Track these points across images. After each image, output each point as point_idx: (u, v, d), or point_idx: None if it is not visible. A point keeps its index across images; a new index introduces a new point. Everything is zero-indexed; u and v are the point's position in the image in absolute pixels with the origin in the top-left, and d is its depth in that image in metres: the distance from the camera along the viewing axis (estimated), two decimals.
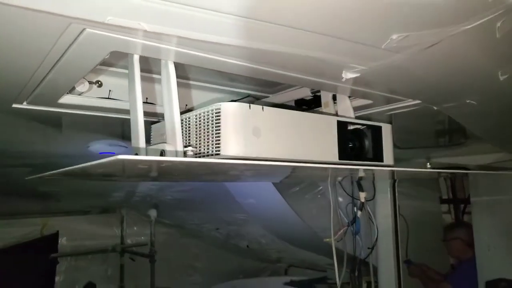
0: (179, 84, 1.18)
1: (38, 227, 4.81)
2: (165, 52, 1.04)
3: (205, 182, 3.58)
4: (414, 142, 2.87)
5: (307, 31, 0.89)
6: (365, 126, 1.46)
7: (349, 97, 1.66)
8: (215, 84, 1.83)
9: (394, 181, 3.32)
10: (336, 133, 1.33)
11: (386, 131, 1.51)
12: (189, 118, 1.20)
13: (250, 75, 1.25)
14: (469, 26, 0.87)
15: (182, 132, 1.17)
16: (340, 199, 2.93)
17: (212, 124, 1.10)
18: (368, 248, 2.64)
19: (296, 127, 1.22)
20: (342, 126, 1.35)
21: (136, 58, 1.14)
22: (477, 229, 3.13)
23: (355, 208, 2.63)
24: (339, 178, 2.42)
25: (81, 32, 0.87)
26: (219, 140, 1.07)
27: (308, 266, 5.23)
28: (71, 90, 1.45)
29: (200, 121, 1.15)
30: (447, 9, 0.82)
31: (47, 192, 4.17)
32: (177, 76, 1.18)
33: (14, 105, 1.46)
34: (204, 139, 1.12)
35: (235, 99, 1.96)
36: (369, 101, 1.72)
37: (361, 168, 1.39)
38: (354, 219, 2.51)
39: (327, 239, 2.40)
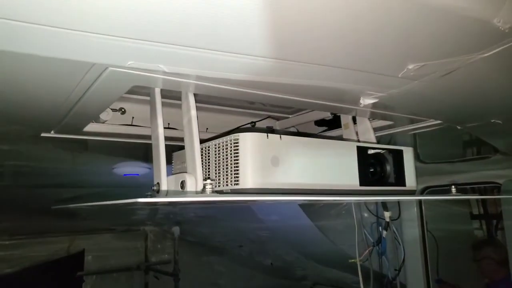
0: (200, 109, 1.20)
1: (65, 245, 4.92)
2: (185, 85, 1.07)
3: None
4: (439, 156, 2.81)
5: (328, 66, 0.90)
6: (385, 150, 1.43)
7: (369, 118, 1.65)
8: (235, 108, 1.85)
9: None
10: (356, 158, 1.31)
11: (408, 154, 1.48)
12: (208, 147, 1.21)
13: (269, 103, 1.26)
14: (487, 54, 0.86)
15: (202, 161, 1.19)
16: (365, 214, 2.88)
17: (231, 154, 1.11)
18: (395, 270, 2.58)
19: (315, 154, 1.22)
20: (362, 151, 1.34)
21: (157, 90, 1.17)
22: (511, 246, 3.00)
23: (380, 228, 2.59)
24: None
25: (104, 71, 0.90)
26: (237, 172, 1.08)
27: (334, 284, 5.11)
28: (96, 119, 1.50)
29: (219, 151, 1.16)
30: (462, 39, 0.81)
31: (73, 211, 4.27)
32: (198, 101, 1.20)
33: (43, 134, 1.53)
34: (223, 170, 1.13)
35: (254, 120, 1.98)
36: (390, 122, 1.70)
37: (383, 199, 1.36)
38: (380, 240, 2.47)
39: (353, 260, 2.36)
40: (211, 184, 0.96)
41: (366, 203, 2.59)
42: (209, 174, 1.19)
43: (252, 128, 1.90)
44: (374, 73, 0.95)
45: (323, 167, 1.22)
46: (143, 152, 2.18)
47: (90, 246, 5.11)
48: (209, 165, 1.20)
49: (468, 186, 2.82)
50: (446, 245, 3.41)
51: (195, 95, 1.19)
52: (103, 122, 1.55)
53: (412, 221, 3.26)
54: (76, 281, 4.81)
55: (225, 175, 1.12)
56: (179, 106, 1.22)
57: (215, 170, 1.16)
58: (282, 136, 1.14)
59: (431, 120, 1.59)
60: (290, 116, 2.01)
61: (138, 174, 2.83)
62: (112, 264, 5.16)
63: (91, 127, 1.51)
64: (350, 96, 1.18)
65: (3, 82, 0.96)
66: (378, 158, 1.40)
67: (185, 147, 1.19)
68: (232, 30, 0.72)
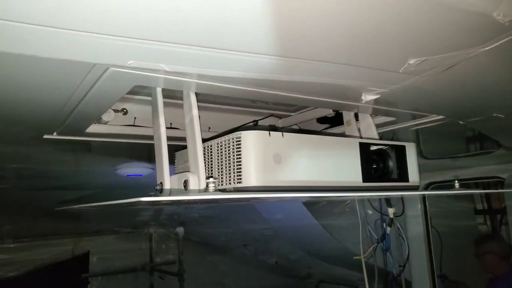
0: (202, 108, 1.20)
1: (69, 247, 4.94)
2: (187, 84, 1.07)
3: None
4: (442, 152, 2.80)
5: (330, 63, 0.90)
6: (388, 146, 1.43)
7: (372, 115, 1.65)
8: (237, 106, 1.85)
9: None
10: (359, 155, 1.31)
11: (410, 150, 1.48)
12: (211, 146, 1.21)
13: (272, 101, 1.26)
14: (487, 48, 0.86)
15: (205, 159, 1.19)
16: (369, 211, 2.87)
17: (233, 153, 1.11)
18: (400, 266, 2.57)
19: (317, 151, 1.22)
20: (364, 147, 1.34)
21: (159, 90, 1.17)
22: None
23: (384, 224, 2.58)
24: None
25: (105, 71, 0.91)
26: (240, 170, 1.08)
27: (339, 282, 5.11)
28: (98, 120, 1.50)
29: (221, 149, 1.16)
30: (462, 33, 0.81)
31: (77, 213, 4.28)
32: (200, 100, 1.20)
33: (45, 136, 1.53)
34: (226, 169, 1.13)
35: (256, 119, 1.98)
36: (393, 118, 1.70)
37: (387, 195, 1.36)
38: (384, 236, 2.46)
39: (357, 257, 2.36)
40: (214, 182, 0.96)
41: (369, 200, 2.58)
42: (212, 173, 1.19)
43: (254, 126, 1.89)
44: (376, 68, 0.94)
45: (325, 164, 1.22)
46: (146, 153, 2.18)
47: (95, 248, 5.13)
48: (211, 164, 1.20)
49: (471, 181, 2.81)
50: (450, 240, 3.40)
51: (196, 94, 1.19)
52: (105, 123, 1.55)
53: (416, 217, 3.25)
54: (82, 282, 4.83)
55: (228, 173, 1.12)
56: (181, 106, 1.22)
57: (218, 169, 1.17)
58: (284, 133, 1.14)
59: (433, 115, 1.59)
60: (292, 114, 2.01)
61: (141, 175, 2.83)
62: (117, 265, 5.17)
63: (93, 128, 1.51)
64: (351, 92, 1.18)
65: (4, 84, 0.97)
66: (381, 154, 1.40)
67: (188, 147, 1.19)
68: (236, 28, 0.71)
